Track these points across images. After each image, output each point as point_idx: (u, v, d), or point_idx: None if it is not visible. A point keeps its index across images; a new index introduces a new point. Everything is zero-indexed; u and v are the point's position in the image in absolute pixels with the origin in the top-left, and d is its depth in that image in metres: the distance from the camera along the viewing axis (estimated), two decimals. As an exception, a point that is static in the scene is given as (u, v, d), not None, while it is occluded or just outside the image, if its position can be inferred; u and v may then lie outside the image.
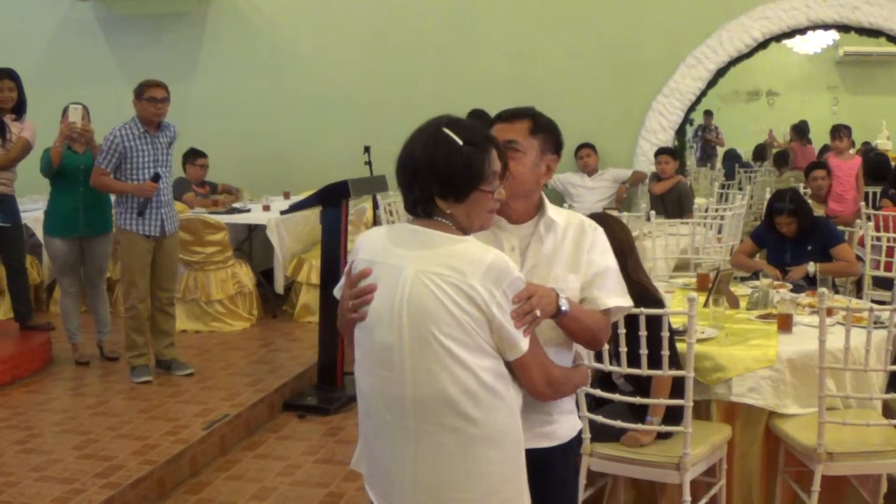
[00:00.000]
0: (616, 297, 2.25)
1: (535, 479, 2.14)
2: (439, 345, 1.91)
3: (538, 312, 1.98)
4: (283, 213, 5.64)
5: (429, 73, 8.21)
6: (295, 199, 6.18)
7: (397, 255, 2.00)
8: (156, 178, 5.18)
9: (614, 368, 3.22)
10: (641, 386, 3.28)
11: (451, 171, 1.97)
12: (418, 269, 1.95)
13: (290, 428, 4.96)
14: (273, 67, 8.59)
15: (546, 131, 2.28)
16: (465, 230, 2.03)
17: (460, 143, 1.97)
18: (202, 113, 8.52)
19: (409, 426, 1.97)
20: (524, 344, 1.96)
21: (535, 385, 2.03)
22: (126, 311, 5.34)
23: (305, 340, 6.12)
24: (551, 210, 2.29)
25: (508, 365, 1.99)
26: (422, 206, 2.01)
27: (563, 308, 2.07)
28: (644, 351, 3.10)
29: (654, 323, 3.09)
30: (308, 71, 8.52)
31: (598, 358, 3.22)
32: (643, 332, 3.07)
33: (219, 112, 8.57)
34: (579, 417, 3.24)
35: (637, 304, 3.07)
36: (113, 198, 5.36)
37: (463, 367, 1.92)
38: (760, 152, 13.10)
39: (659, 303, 3.30)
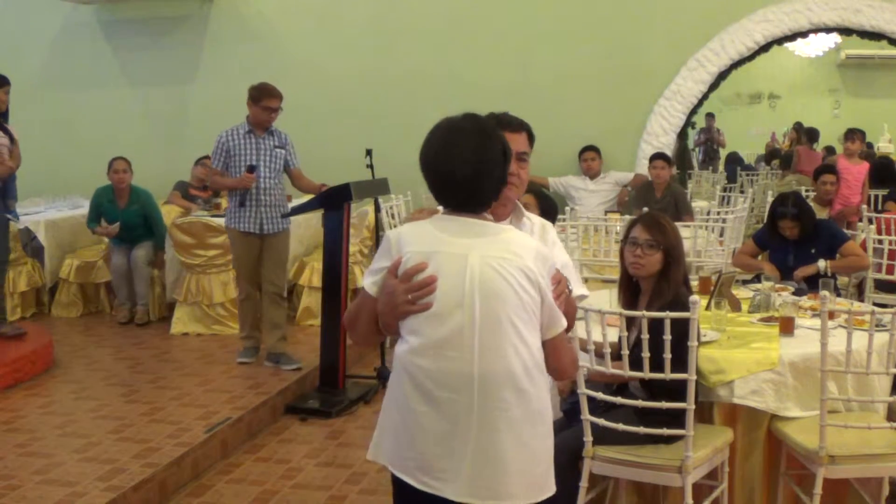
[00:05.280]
0: (578, 287, 2.51)
1: None
2: (510, 324, 2.05)
3: (565, 293, 2.19)
4: (284, 216, 5.66)
5: (430, 77, 8.20)
6: (297, 202, 6.17)
7: (456, 244, 2.09)
8: (250, 169, 5.45)
9: (636, 374, 3.20)
10: (655, 393, 3.26)
11: (503, 170, 2.13)
12: (483, 255, 2.07)
13: (291, 431, 4.96)
14: (274, 71, 8.54)
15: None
16: (496, 220, 2.22)
17: (500, 144, 2.13)
18: (203, 116, 8.51)
19: (474, 403, 2.06)
20: (565, 322, 2.13)
21: (563, 363, 2.18)
22: (238, 299, 5.94)
23: (307, 343, 6.11)
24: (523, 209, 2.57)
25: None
26: (478, 205, 2.12)
27: (571, 289, 2.29)
28: (668, 355, 3.08)
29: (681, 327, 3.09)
30: (309, 74, 8.52)
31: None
32: (667, 336, 3.06)
33: (220, 115, 8.51)
34: (581, 420, 3.27)
35: (676, 308, 3.12)
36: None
37: (525, 345, 2.06)
38: (772, 155, 13.00)
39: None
